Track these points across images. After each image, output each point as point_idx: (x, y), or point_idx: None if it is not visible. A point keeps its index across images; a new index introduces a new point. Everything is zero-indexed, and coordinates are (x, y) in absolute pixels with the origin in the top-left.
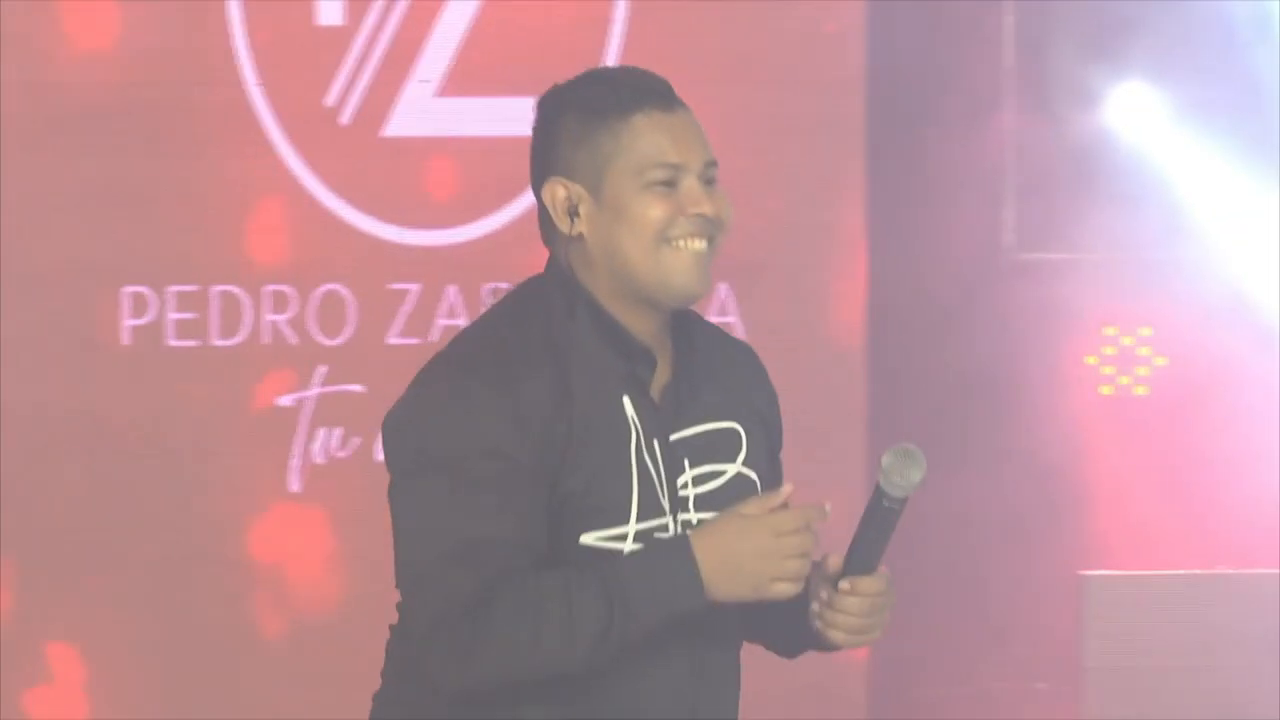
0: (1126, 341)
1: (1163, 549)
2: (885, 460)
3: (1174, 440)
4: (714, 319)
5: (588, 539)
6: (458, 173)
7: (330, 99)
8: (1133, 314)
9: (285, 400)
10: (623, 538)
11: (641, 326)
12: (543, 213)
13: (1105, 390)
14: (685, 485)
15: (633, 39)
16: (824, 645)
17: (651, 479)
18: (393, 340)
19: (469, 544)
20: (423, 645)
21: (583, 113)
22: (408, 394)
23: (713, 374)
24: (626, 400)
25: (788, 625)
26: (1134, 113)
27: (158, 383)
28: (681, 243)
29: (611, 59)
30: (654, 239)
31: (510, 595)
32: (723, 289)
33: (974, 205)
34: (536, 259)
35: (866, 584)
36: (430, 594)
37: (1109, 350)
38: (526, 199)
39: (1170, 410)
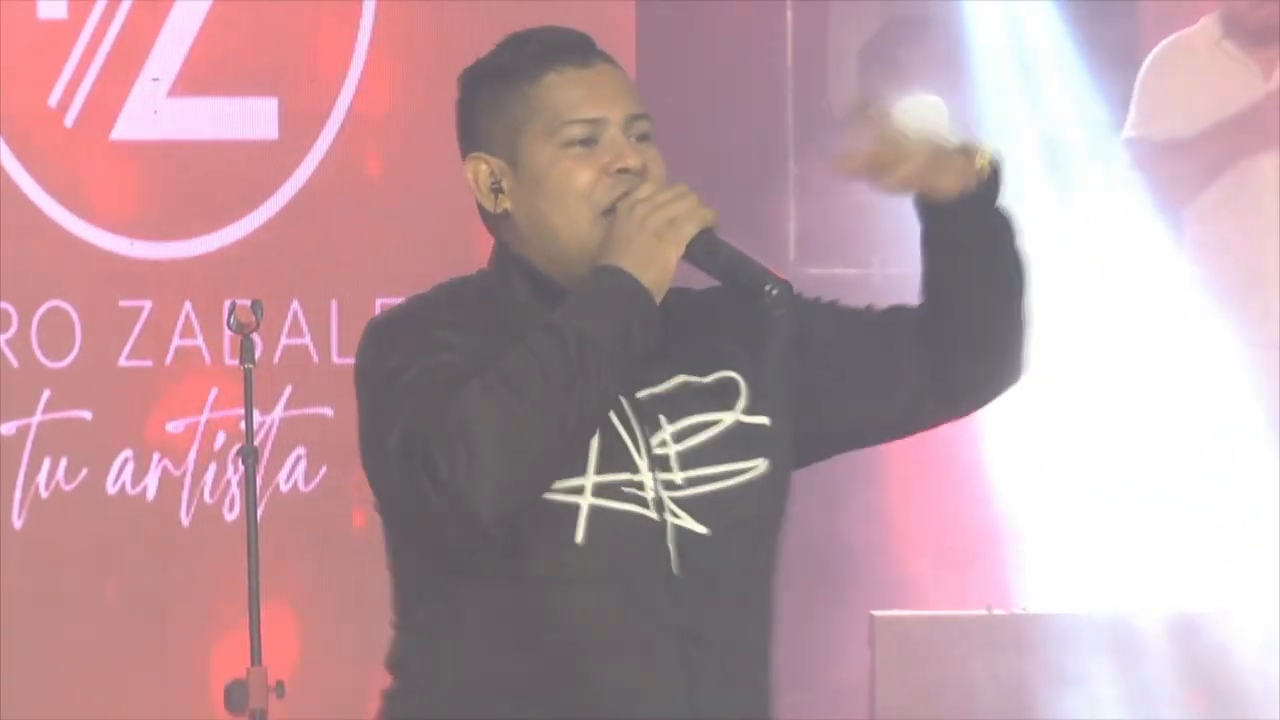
0: None
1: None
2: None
3: (954, 472)
4: None
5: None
6: (194, 179)
7: (54, 99)
8: None
9: (5, 428)
10: (579, 490)
11: None
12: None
13: None
14: (664, 443)
15: (383, 33)
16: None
17: (618, 433)
18: (124, 363)
19: (429, 370)
20: (407, 477)
21: (494, 80)
22: None
23: (690, 328)
24: None
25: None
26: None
27: None
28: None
29: (361, 55)
30: (583, 208)
31: (467, 379)
32: None
33: (755, 216)
34: (282, 271)
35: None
36: (396, 425)
37: None
38: (270, 207)
39: (955, 437)
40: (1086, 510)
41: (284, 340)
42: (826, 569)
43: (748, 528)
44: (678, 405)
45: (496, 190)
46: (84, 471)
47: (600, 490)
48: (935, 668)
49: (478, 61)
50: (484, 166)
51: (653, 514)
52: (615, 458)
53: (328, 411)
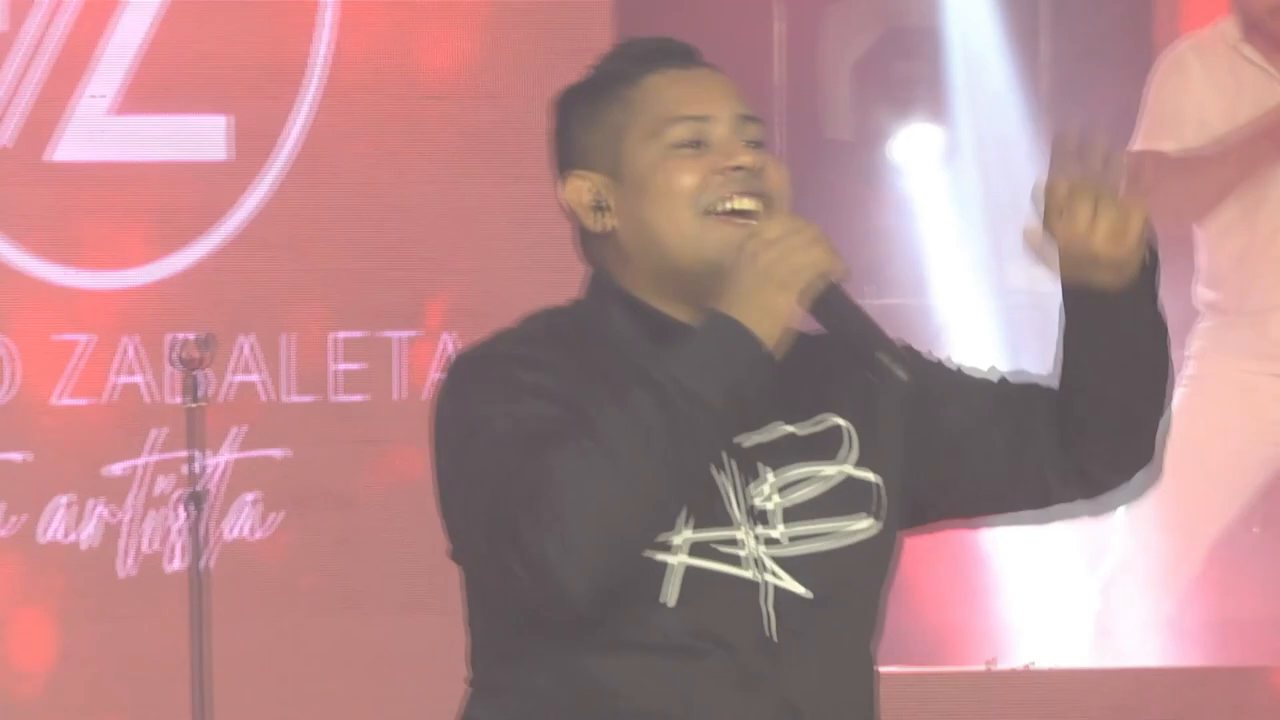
0: None
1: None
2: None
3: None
4: None
5: None
6: (137, 203)
7: None
8: None
9: None
10: (672, 547)
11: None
12: (575, 223)
13: None
14: (768, 496)
15: (342, 46)
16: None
17: (716, 485)
18: (60, 401)
19: (519, 422)
20: (493, 547)
21: (591, 92)
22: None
23: (801, 372)
24: None
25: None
26: (915, 146)
27: None
28: (723, 205)
29: (317, 69)
30: (689, 211)
31: (559, 439)
32: None
33: None
34: (231, 303)
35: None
36: (482, 487)
37: None
38: (219, 234)
39: None
40: (1092, 562)
41: (233, 377)
42: None
43: (852, 591)
44: (783, 454)
45: (600, 208)
46: (18, 517)
47: (694, 549)
48: None
49: (572, 83)
50: (584, 184)
51: (749, 574)
52: (712, 512)
53: (281, 454)
